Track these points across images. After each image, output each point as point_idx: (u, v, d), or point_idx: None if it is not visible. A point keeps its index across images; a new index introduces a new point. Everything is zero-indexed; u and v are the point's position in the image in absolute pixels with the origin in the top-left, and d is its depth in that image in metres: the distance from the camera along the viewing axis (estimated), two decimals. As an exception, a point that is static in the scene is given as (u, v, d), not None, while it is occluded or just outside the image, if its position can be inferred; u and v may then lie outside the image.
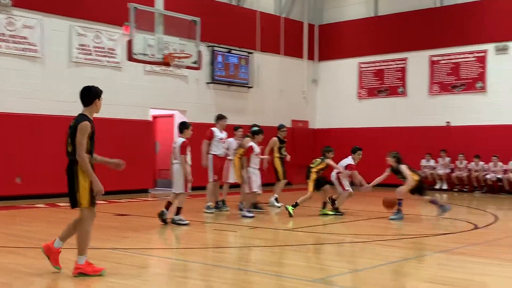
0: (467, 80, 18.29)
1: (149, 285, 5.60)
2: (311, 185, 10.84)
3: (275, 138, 12.60)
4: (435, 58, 18.87)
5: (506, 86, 17.49)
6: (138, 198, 14.45)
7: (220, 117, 11.66)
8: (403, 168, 10.35)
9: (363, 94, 20.39)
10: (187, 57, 12.59)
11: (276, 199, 12.50)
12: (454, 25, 18.45)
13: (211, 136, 11.24)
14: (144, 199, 14.46)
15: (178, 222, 9.27)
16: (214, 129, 11.40)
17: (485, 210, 12.39)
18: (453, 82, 18.52)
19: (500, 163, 16.97)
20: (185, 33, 13.17)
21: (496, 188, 17.03)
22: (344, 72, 20.79)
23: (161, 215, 9.31)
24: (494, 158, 17.04)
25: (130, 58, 11.85)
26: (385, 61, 19.90)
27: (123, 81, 15.41)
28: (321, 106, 21.38)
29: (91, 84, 6.02)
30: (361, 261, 6.92)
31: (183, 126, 9.63)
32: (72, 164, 5.66)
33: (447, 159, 18.03)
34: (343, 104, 20.71)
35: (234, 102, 18.48)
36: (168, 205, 9.41)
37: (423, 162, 18.23)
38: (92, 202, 5.66)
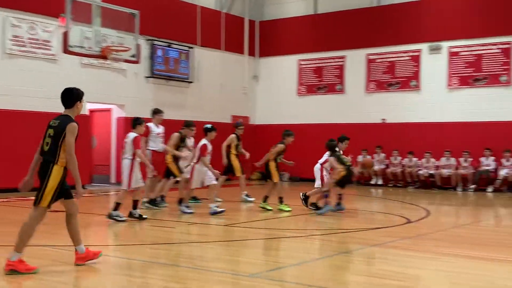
0: (402, 79, 18.82)
1: (82, 282, 5.49)
2: (274, 171, 10.94)
3: (233, 135, 12.60)
4: (371, 57, 19.32)
5: (439, 85, 18.10)
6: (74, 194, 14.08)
7: (156, 112, 11.51)
8: (332, 160, 10.53)
9: (303, 91, 20.65)
10: (125, 50, 12.41)
11: (247, 195, 12.61)
12: (390, 24, 18.94)
13: (147, 132, 11.10)
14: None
15: (115, 218, 9.14)
16: (150, 124, 11.24)
17: (417, 205, 12.79)
18: (389, 80, 19.01)
19: (432, 159, 17.56)
20: (123, 26, 12.97)
21: (428, 184, 17.61)
22: (284, 68, 20.98)
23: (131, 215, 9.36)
24: (427, 154, 17.62)
25: (66, 50, 11.57)
26: (324, 59, 20.21)
27: (59, 74, 14.99)
28: (261, 102, 21.50)
29: (72, 87, 6.02)
30: (296, 255, 7.02)
31: (136, 122, 9.50)
32: (47, 164, 5.61)
33: (382, 155, 18.51)
34: (283, 100, 20.91)
35: (173, 97, 18.32)
36: (135, 203, 9.42)
37: (359, 158, 18.62)
38: (50, 204, 5.65)
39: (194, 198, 11.97)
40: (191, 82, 18.89)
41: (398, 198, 14.41)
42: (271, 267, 6.21)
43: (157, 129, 11.32)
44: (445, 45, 18.06)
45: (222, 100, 19.99)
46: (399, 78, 18.86)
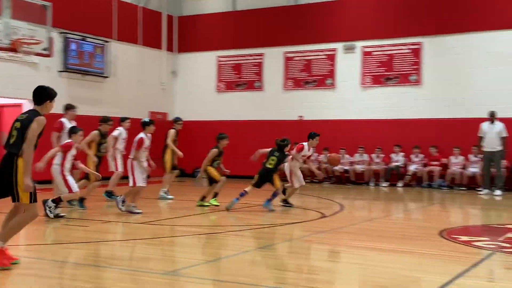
0: (319, 77, 19.24)
1: (-10, 285, 5.25)
2: (215, 173, 11.00)
3: (173, 130, 12.54)
4: (289, 55, 19.63)
5: (353, 83, 18.66)
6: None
7: (69, 107, 11.19)
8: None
9: (222, 88, 20.67)
10: (37, 43, 11.98)
11: (166, 192, 12.49)
12: (307, 23, 19.32)
13: (60, 128, 10.75)
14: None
15: (49, 208, 9.07)
16: (63, 119, 10.91)
17: (332, 200, 13.14)
18: (306, 78, 19.39)
19: (347, 156, 18.08)
20: (35, 18, 12.50)
21: (343, 179, 18.13)
22: (203, 64, 20.92)
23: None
24: (342, 150, 18.12)
25: (-27, 42, 11.00)
26: (243, 56, 20.33)
27: (-35, 66, 14.25)
28: (180, 98, 21.33)
29: (46, 86, 5.94)
30: (213, 252, 7.04)
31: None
32: (12, 156, 5.47)
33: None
34: (202, 96, 20.85)
35: (89, 92, 17.83)
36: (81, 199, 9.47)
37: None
38: (32, 199, 5.55)
39: (110, 194, 11.77)
40: (107, 77, 18.45)
41: (314, 194, 14.73)
42: (187, 264, 6.20)
43: (70, 125, 11.00)
44: (359, 44, 18.63)
45: (139, 95, 19.67)
46: (316, 76, 19.28)
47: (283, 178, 11.49)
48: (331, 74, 19.05)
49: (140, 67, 19.82)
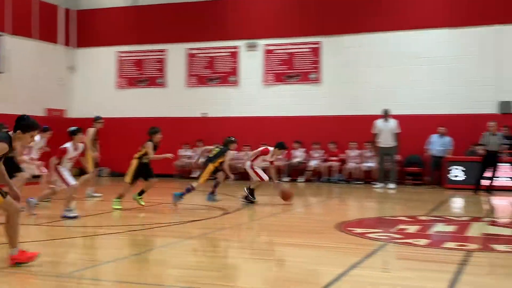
0: (222, 74, 19.34)
1: None
2: (129, 175, 10.54)
3: (92, 129, 12.27)
4: (192, 51, 19.58)
5: (256, 81, 18.92)
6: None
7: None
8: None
9: (123, 84, 20.27)
10: None
11: (92, 190, 12.24)
12: (210, 20, 19.34)
13: None
14: None
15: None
16: None
17: (236, 196, 13.25)
18: (209, 75, 19.43)
19: (250, 153, 18.24)
20: None
21: (247, 175, 18.30)
22: (103, 60, 20.41)
23: None
24: (246, 147, 18.31)
25: None
26: (145, 52, 20.04)
27: None
28: (79, 95, 20.67)
29: (28, 117, 5.81)
30: (112, 252, 6.90)
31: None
32: None
33: (204, 148, 18.81)
34: (102, 92, 20.33)
35: (-20, 87, 16.90)
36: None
37: (181, 152, 18.81)
38: (3, 196, 5.61)
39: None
40: (1, 72, 17.54)
41: (219, 191, 14.77)
42: (85, 265, 6.04)
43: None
44: (261, 43, 18.91)
45: (35, 91, 18.86)
46: (219, 73, 19.36)
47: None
48: (234, 71, 19.19)
49: (36, 62, 19.00)
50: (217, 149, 11.48)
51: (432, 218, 9.51)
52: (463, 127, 16.47)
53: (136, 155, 10.58)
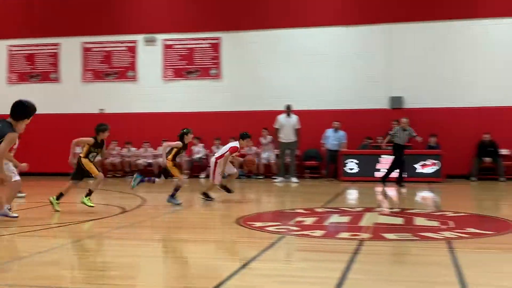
0: (120, 69, 18.93)
1: None
2: (92, 167, 9.95)
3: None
4: (87, 45, 18.99)
5: (155, 76, 18.67)
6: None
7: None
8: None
9: (14, 79, 19.31)
10: None
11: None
12: (106, 13, 18.85)
13: None
14: None
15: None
16: None
17: (135, 194, 13.03)
18: (106, 70, 18.94)
19: (150, 149, 18.06)
20: None
21: (147, 172, 18.06)
22: (-8, 54, 19.36)
23: None
24: (145, 144, 18.06)
25: None
26: (37, 45, 19.19)
27: None
28: (-35, 90, 19.47)
29: (26, 102, 5.83)
30: (4, 254, 6.57)
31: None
32: None
33: (101, 145, 18.36)
34: (-9, 88, 19.28)
35: None
36: None
37: (77, 150, 18.15)
38: None
39: None
40: None
41: (117, 188, 14.48)
42: (-28, 271, 5.71)
43: None
44: (160, 37, 18.68)
45: None
46: (117, 68, 18.93)
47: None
48: (132, 66, 18.84)
49: None
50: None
51: (328, 210, 9.84)
52: (356, 121, 17.16)
53: (82, 154, 10.11)
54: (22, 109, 5.63)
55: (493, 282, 5.04)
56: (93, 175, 10.02)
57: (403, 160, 14.68)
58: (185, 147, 10.96)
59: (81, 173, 10.02)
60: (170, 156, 10.79)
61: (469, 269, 5.35)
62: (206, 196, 11.59)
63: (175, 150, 10.79)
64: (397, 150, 14.60)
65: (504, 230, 7.75)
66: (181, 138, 10.89)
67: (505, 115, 16.61)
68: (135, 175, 10.93)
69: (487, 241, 7.01)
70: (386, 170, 15.04)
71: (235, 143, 11.59)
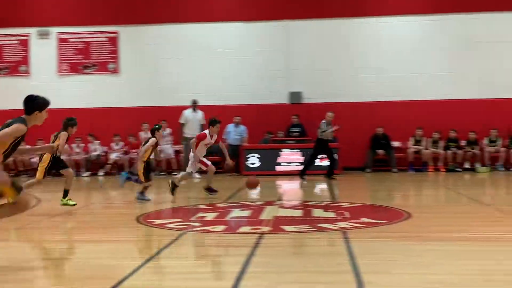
0: (11, 63, 18.03)
1: None
2: (41, 171, 9.49)
3: None
4: (-25, 38, 17.92)
5: (49, 71, 17.93)
6: None
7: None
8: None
9: None
10: None
11: None
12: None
13: None
14: None
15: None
16: None
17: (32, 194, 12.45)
18: (-4, 64, 17.99)
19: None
20: None
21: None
22: None
23: None
24: (40, 142, 17.28)
25: None
26: None
27: None
28: None
29: (35, 95, 5.77)
30: None
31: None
32: None
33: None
34: None
35: None
36: None
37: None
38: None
39: None
40: None
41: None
42: None
43: None
44: (54, 31, 17.97)
45: None
46: (8, 63, 18.03)
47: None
48: (25, 60, 18.01)
49: None
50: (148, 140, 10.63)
51: (229, 205, 9.90)
52: (257, 116, 17.38)
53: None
54: (30, 102, 5.56)
55: (385, 269, 5.28)
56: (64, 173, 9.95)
57: (329, 153, 14.90)
58: (158, 143, 10.80)
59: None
60: (146, 155, 10.51)
61: (362, 257, 5.57)
62: (210, 190, 11.30)
63: (150, 148, 10.53)
64: (321, 144, 14.75)
65: (396, 219, 8.15)
66: (152, 134, 10.70)
67: (397, 109, 17.45)
68: (121, 173, 10.87)
69: (380, 230, 7.35)
70: (304, 165, 15.24)
71: (204, 131, 11.42)
